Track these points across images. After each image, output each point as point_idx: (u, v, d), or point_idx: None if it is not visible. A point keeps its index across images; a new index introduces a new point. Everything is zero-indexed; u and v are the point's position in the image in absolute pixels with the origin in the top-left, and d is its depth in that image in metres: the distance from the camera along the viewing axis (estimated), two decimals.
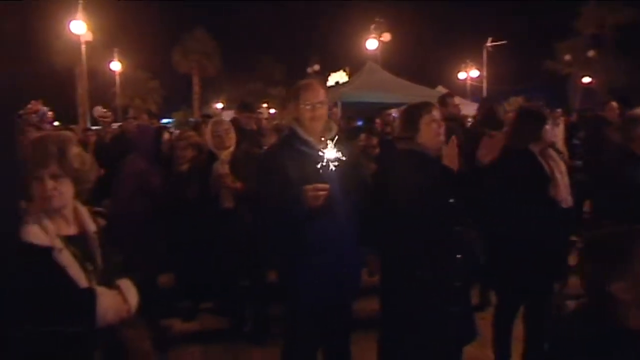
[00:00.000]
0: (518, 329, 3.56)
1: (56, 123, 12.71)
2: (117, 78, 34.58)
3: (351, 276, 2.92)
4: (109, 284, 1.90)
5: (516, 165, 3.30)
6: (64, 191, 1.86)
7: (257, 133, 5.35)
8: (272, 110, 26.32)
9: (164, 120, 29.42)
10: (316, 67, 38.46)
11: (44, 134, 2.02)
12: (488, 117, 4.42)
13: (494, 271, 3.43)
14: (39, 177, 1.82)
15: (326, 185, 2.56)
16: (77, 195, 1.94)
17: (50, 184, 1.82)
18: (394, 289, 2.82)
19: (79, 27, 23.02)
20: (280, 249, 2.90)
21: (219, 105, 36.22)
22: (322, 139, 2.71)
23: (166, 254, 4.39)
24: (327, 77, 35.00)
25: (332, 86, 30.57)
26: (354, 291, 2.99)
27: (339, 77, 32.50)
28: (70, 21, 23.31)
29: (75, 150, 1.90)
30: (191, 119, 27.32)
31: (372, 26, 27.29)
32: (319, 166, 2.62)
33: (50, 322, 1.75)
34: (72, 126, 11.96)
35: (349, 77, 29.50)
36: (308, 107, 2.79)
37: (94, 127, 13.54)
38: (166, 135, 4.44)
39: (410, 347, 2.86)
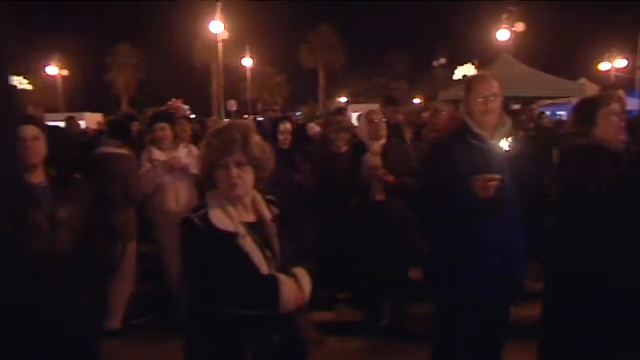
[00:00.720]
0: None
1: (192, 116, 13.75)
2: (248, 73, 36.57)
3: (515, 278, 2.75)
4: (286, 271, 1.93)
5: None
6: (247, 179, 1.91)
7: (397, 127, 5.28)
8: None
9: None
10: (442, 60, 37.40)
11: (228, 122, 2.09)
12: None
13: None
14: (225, 165, 1.88)
15: (497, 176, 2.45)
16: (256, 184, 1.99)
17: (235, 171, 1.87)
18: (568, 295, 2.58)
19: (217, 26, 24.74)
20: (442, 241, 2.81)
21: (343, 99, 36.69)
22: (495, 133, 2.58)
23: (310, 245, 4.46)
24: (454, 70, 33.92)
25: (459, 80, 29.49)
26: (516, 294, 2.82)
27: (466, 70, 31.25)
28: (209, 22, 25.15)
29: (256, 138, 1.94)
30: (317, 113, 28.02)
31: (504, 15, 25.75)
32: (490, 161, 2.50)
33: (236, 304, 1.82)
34: (212, 118, 12.84)
35: (478, 71, 28.27)
36: (480, 99, 2.70)
37: (226, 120, 14.42)
38: (287, 125, 4.46)
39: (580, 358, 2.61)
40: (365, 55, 41.76)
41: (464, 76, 28.90)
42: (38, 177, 2.52)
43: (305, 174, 4.54)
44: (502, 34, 25.62)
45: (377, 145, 4.09)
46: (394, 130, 4.58)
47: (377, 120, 4.12)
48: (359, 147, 4.23)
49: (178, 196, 4.46)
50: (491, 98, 2.69)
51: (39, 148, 2.51)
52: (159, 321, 4.56)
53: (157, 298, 4.89)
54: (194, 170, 4.50)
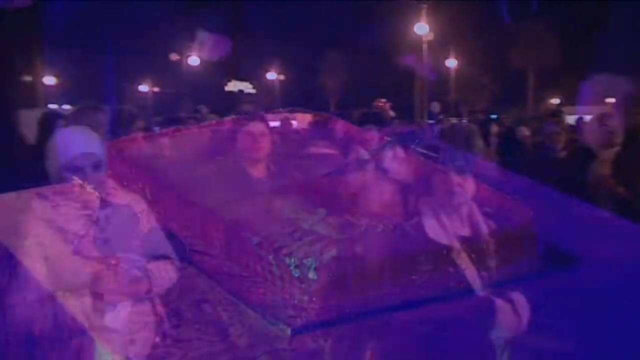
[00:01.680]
0: None
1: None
2: (452, 74, 35.88)
3: None
4: (502, 294, 1.74)
5: None
6: (467, 187, 1.77)
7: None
8: None
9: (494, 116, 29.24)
10: None
11: (451, 124, 1.98)
12: None
13: None
14: (444, 170, 1.77)
15: None
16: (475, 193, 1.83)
17: (455, 178, 1.75)
18: None
19: (423, 28, 24.93)
20: None
21: (555, 101, 33.50)
22: None
23: None
24: None
25: None
26: None
27: None
28: (415, 24, 25.44)
29: (479, 143, 1.80)
30: (525, 116, 26.33)
31: None
32: None
33: (442, 325, 1.69)
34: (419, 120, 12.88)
35: None
36: None
37: (430, 121, 14.38)
38: (495, 128, 4.34)
39: None
40: (580, 53, 37.37)
41: None
42: (259, 171, 2.69)
43: None
44: None
45: (609, 153, 3.60)
46: (631, 135, 3.98)
47: (611, 125, 3.62)
48: (582, 153, 3.79)
49: (382, 199, 4.51)
50: None
51: (264, 144, 2.66)
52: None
53: None
54: (398, 174, 4.50)
